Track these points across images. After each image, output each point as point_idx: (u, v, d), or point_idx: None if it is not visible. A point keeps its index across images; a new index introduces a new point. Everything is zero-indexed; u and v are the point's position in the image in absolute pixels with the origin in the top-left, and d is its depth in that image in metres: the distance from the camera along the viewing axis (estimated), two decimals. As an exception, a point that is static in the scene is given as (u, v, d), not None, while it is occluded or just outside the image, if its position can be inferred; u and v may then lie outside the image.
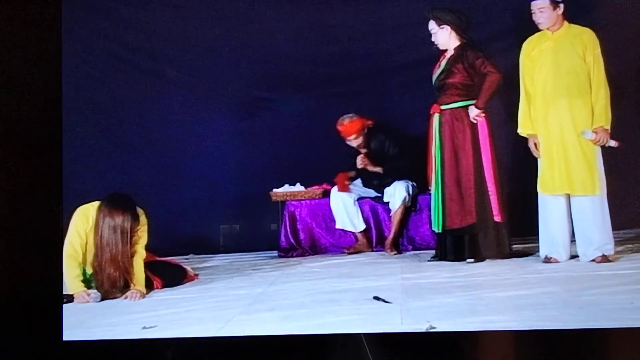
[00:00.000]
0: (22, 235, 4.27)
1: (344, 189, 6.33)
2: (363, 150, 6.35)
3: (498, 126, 5.57)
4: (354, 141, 6.31)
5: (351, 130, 6.28)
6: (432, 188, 5.61)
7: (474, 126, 5.47)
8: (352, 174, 6.41)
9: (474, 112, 5.46)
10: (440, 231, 5.56)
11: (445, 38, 5.56)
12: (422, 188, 6.11)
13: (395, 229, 6.17)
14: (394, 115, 6.46)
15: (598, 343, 3.61)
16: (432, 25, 5.57)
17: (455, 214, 5.47)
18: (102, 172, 6.34)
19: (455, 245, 5.48)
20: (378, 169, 6.32)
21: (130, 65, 6.61)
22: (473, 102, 5.48)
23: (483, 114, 5.45)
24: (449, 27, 5.53)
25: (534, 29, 5.23)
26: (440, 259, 5.55)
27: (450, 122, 5.52)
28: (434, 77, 5.61)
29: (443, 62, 5.59)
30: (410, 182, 6.23)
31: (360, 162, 6.32)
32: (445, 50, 5.60)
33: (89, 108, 6.31)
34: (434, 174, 5.58)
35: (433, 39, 5.59)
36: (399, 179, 6.25)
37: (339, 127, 6.29)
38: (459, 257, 5.43)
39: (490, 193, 5.39)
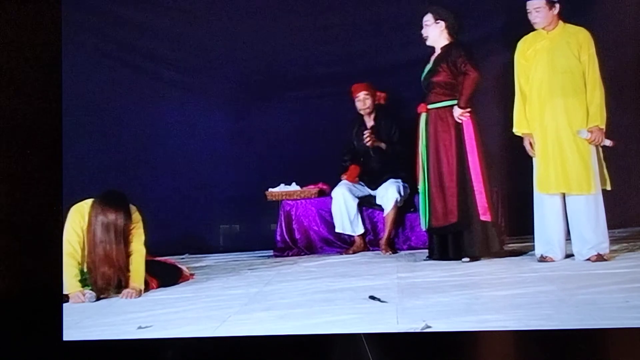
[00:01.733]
0: (22, 235, 4.27)
1: (354, 180, 6.33)
2: (371, 121, 6.36)
3: (490, 125, 5.59)
4: (362, 100, 6.34)
5: (363, 88, 6.32)
6: (419, 187, 5.64)
7: (458, 126, 5.47)
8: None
9: (457, 111, 5.46)
10: (425, 230, 5.62)
11: (436, 34, 5.55)
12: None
13: (388, 229, 6.18)
14: (388, 108, 6.46)
15: (594, 342, 3.62)
16: (428, 18, 5.55)
17: (439, 213, 5.49)
18: (101, 172, 6.33)
19: (440, 244, 5.51)
20: (382, 145, 6.32)
21: (129, 65, 6.63)
22: (455, 102, 5.49)
23: (467, 114, 5.45)
24: (443, 24, 5.53)
25: (524, 28, 5.24)
26: (429, 258, 5.58)
27: (435, 121, 5.53)
28: (422, 76, 5.62)
29: (431, 61, 5.60)
30: (401, 183, 6.24)
31: (367, 135, 6.31)
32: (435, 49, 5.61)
33: (88, 108, 6.32)
34: (421, 173, 5.60)
35: (423, 32, 5.56)
36: (392, 177, 6.26)
37: (352, 88, 6.34)
38: (443, 256, 5.47)
39: (476, 192, 5.39)
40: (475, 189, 5.39)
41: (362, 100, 6.33)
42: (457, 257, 5.39)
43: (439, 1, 5.68)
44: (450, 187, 5.45)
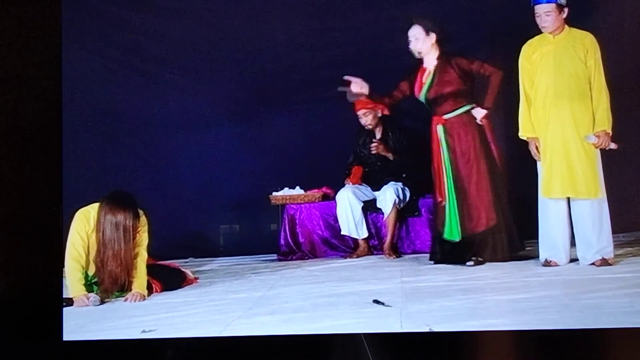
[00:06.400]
0: (22, 236, 4.27)
1: (357, 181, 6.33)
2: (378, 134, 6.35)
3: (495, 129, 5.57)
4: (363, 117, 6.30)
5: (360, 105, 6.25)
6: (446, 200, 5.49)
7: (480, 128, 5.47)
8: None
9: (481, 113, 5.45)
10: (459, 239, 5.44)
11: (428, 47, 5.52)
12: (422, 192, 6.11)
13: (390, 233, 6.16)
14: (394, 118, 6.45)
15: (598, 344, 3.61)
16: (418, 31, 5.52)
17: (481, 218, 5.42)
18: (102, 174, 6.34)
19: (478, 248, 5.42)
20: (389, 155, 6.31)
21: (131, 67, 6.63)
22: (472, 105, 5.49)
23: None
24: (434, 36, 5.51)
25: (527, 32, 5.23)
26: (450, 263, 5.49)
27: (457, 128, 5.49)
28: (423, 92, 5.57)
29: (428, 77, 5.56)
30: (400, 185, 6.23)
31: (375, 145, 6.30)
32: (422, 62, 5.58)
33: (89, 109, 6.33)
34: (446, 185, 5.51)
35: (414, 46, 5.52)
36: (393, 180, 6.26)
37: (355, 103, 6.26)
38: (481, 260, 5.39)
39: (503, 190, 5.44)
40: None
41: (362, 117, 6.31)
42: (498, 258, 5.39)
43: (438, 6, 5.67)
44: (487, 189, 5.44)
